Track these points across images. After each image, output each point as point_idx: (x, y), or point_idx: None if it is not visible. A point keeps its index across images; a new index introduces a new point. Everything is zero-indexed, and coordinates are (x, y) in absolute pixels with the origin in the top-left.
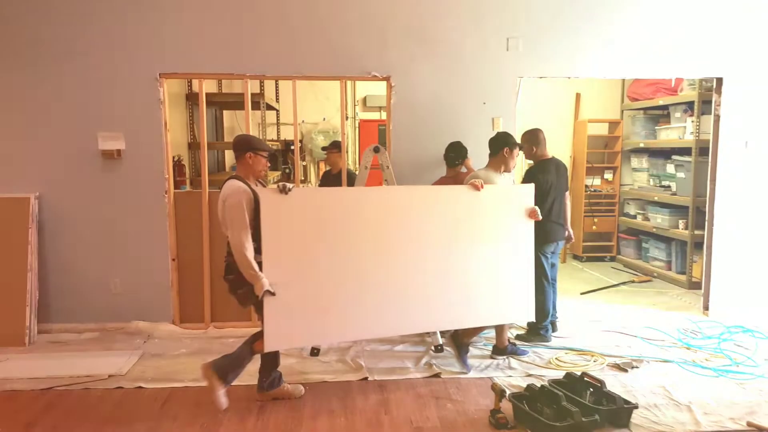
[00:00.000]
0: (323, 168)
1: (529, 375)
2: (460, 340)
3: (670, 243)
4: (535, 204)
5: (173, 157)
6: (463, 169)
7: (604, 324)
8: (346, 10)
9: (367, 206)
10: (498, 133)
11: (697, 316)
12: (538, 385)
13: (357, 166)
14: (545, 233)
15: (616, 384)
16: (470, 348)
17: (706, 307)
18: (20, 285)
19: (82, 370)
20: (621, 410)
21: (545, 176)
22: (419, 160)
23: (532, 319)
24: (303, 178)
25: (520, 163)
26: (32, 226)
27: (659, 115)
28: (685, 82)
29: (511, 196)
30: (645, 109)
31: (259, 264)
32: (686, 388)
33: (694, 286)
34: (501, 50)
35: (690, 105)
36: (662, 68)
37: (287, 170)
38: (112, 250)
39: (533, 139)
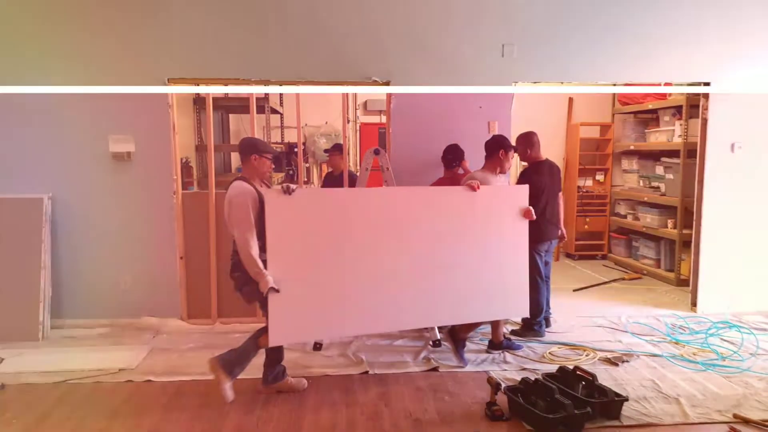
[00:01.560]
0: (325, 169)
1: (524, 369)
2: (457, 335)
3: (659, 242)
4: (530, 204)
5: (181, 159)
6: (460, 171)
7: (595, 320)
8: (347, 18)
9: (367, 206)
10: (493, 135)
11: (685, 312)
12: (533, 379)
13: (358, 167)
14: (539, 232)
15: (607, 377)
16: (467, 343)
17: (693, 304)
18: (34, 282)
19: (94, 364)
20: (612, 403)
21: (539, 177)
22: (418, 162)
23: (527, 315)
24: (306, 180)
25: (515, 164)
26: (45, 225)
27: (649, 119)
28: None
29: (506, 196)
30: (635, 112)
31: (264, 262)
32: (675, 381)
33: (682, 283)
34: (496, 56)
35: (678, 109)
36: (652, 73)
37: (291, 172)
38: (122, 249)
39: (527, 141)
